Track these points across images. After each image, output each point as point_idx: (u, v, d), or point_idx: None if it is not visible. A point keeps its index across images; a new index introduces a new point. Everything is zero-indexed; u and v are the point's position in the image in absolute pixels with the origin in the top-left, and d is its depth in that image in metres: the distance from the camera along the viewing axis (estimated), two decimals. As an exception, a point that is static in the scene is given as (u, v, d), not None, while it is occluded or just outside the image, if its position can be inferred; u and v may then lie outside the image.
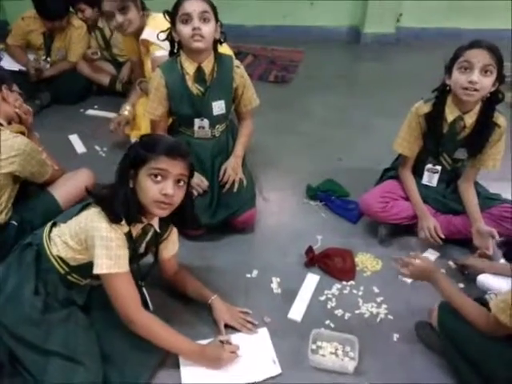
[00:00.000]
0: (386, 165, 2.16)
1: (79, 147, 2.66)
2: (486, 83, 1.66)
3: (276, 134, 2.76)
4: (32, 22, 2.96)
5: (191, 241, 1.99)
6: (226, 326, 1.60)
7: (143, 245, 1.48)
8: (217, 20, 1.80)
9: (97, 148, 2.66)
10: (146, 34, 2.21)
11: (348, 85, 3.48)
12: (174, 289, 1.70)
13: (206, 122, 1.94)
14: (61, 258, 1.39)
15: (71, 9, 2.99)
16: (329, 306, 1.72)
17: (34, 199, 1.90)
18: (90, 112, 3.02)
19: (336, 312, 1.69)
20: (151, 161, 1.29)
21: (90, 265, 1.34)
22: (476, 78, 1.64)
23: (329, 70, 3.65)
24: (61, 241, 1.39)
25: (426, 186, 1.97)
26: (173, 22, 1.79)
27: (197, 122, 1.94)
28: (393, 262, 1.60)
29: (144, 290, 1.51)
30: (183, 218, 1.47)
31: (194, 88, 1.87)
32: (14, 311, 1.36)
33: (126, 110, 2.62)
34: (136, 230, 1.40)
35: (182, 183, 1.35)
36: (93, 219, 1.31)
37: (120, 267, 1.31)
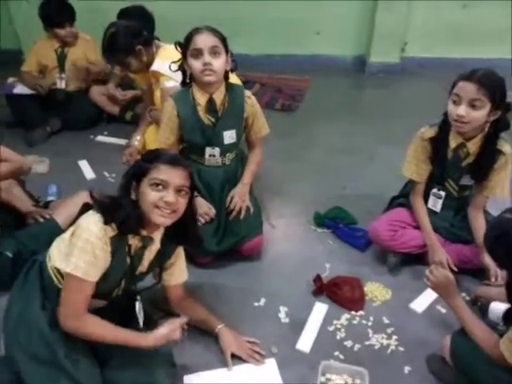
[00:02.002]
0: (392, 192, 2.16)
1: (88, 173, 2.68)
2: (476, 116, 1.65)
3: (283, 162, 2.78)
4: (44, 42, 3.06)
5: (199, 268, 1.98)
6: (234, 355, 1.58)
7: (144, 262, 1.45)
8: (227, 51, 1.83)
9: (105, 174, 2.68)
10: (157, 66, 2.26)
11: (353, 113, 3.51)
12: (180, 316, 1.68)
13: (216, 151, 1.96)
14: (57, 270, 1.37)
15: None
16: (338, 337, 1.69)
17: (36, 227, 1.90)
18: (100, 138, 3.06)
19: (345, 343, 1.66)
20: (152, 171, 1.30)
21: (101, 285, 1.34)
22: (462, 111, 1.64)
23: (334, 99, 3.70)
24: (57, 250, 1.39)
25: (435, 213, 1.95)
26: (184, 55, 1.83)
27: (208, 150, 1.96)
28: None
29: (137, 305, 1.48)
30: (185, 232, 1.46)
31: (206, 119, 1.90)
32: (25, 330, 1.36)
33: (137, 140, 2.68)
34: (135, 241, 1.38)
35: (183, 193, 1.34)
36: (88, 221, 1.29)
37: (85, 274, 1.27)
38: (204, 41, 1.75)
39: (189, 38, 1.78)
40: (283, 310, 1.80)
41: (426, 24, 4.07)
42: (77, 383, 1.30)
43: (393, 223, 1.92)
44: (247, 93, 1.98)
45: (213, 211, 1.94)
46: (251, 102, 1.96)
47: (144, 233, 1.38)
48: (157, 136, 1.97)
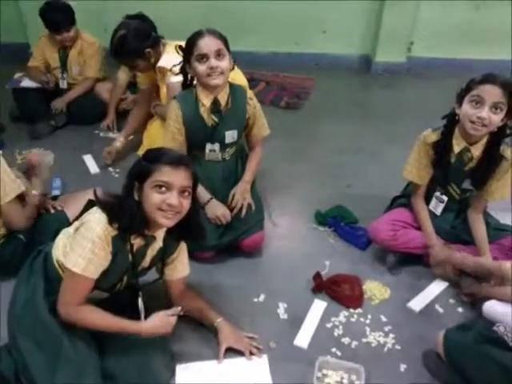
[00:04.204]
0: (395, 192, 2.17)
1: (93, 167, 2.71)
2: (495, 120, 1.66)
3: (286, 160, 2.80)
4: (47, 40, 3.06)
5: (199, 263, 2.00)
6: (230, 349, 1.60)
7: (147, 258, 1.47)
8: (229, 52, 1.84)
9: (110, 169, 2.71)
10: (163, 62, 2.28)
11: (358, 112, 3.52)
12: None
13: (216, 146, 1.98)
14: (61, 261, 1.40)
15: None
16: (336, 334, 1.71)
17: (47, 217, 1.93)
18: (105, 133, 3.08)
19: (343, 340, 1.68)
20: (154, 173, 1.30)
21: (103, 279, 1.37)
22: (485, 114, 1.65)
23: (339, 98, 3.70)
24: (62, 243, 1.42)
25: (436, 215, 1.96)
26: (187, 59, 1.85)
27: (208, 145, 1.98)
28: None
29: (140, 300, 1.49)
30: (189, 229, 1.47)
31: (210, 119, 1.91)
32: (30, 318, 1.40)
33: (119, 141, 2.70)
34: (137, 240, 1.40)
35: (186, 194, 1.35)
36: (92, 219, 1.31)
37: (83, 271, 1.30)
38: (208, 45, 1.77)
39: (192, 43, 1.79)
40: (282, 306, 1.82)
41: (433, 24, 4.06)
42: (79, 371, 1.33)
43: (394, 223, 1.93)
44: (249, 94, 2.00)
45: (228, 216, 1.95)
46: (253, 103, 1.98)
47: (147, 232, 1.40)
48: (165, 134, 1.97)
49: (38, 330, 1.39)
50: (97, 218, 1.31)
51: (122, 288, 1.51)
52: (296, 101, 3.62)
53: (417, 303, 1.82)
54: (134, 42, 2.28)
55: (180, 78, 2.15)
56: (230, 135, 1.96)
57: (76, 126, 3.14)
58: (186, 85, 1.96)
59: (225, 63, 1.80)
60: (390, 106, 3.56)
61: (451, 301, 1.85)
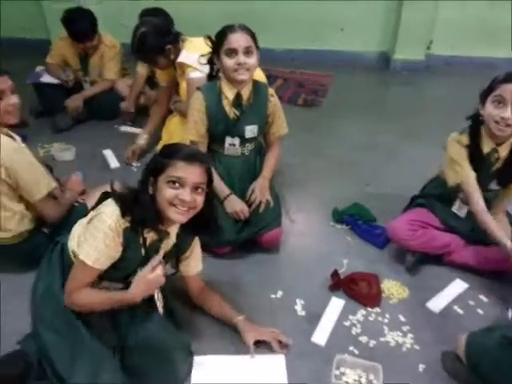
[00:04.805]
0: (413, 191, 2.14)
1: (113, 162, 2.74)
2: None
3: (304, 156, 2.79)
4: (67, 44, 3.07)
5: (217, 258, 2.02)
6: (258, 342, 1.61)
7: (160, 252, 1.46)
8: (258, 48, 1.85)
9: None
10: (183, 57, 2.29)
11: (377, 110, 3.49)
12: (200, 308, 1.71)
13: (236, 140, 2.00)
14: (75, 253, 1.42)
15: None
16: (353, 332, 1.70)
17: (70, 210, 1.96)
18: (124, 128, 3.12)
19: (360, 338, 1.67)
20: (169, 167, 1.29)
21: (116, 271, 1.39)
22: (509, 114, 1.62)
23: (358, 95, 3.68)
24: (76, 233, 1.44)
25: (457, 217, 1.92)
26: (215, 50, 1.86)
27: (228, 139, 1.99)
28: None
29: (156, 294, 1.49)
30: (203, 225, 1.46)
31: (232, 112, 1.93)
32: (49, 308, 1.43)
33: (143, 138, 2.73)
34: (150, 235, 1.40)
35: (200, 190, 1.34)
36: (105, 211, 1.32)
37: (94, 262, 1.32)
38: (238, 41, 1.78)
39: (222, 36, 1.81)
40: (300, 302, 1.82)
41: (453, 22, 4.02)
42: (97, 360, 1.35)
43: (412, 223, 1.91)
44: (271, 91, 2.01)
45: (246, 211, 1.96)
46: (274, 100, 2.00)
47: (160, 227, 1.40)
48: (187, 127, 1.99)
49: (57, 319, 1.41)
50: (110, 210, 1.32)
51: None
52: (314, 98, 3.61)
53: (436, 304, 1.81)
54: (155, 39, 2.29)
55: (200, 74, 2.17)
56: (251, 130, 1.97)
57: (96, 121, 3.18)
58: (212, 75, 1.98)
59: (253, 60, 1.82)
60: (408, 104, 3.53)
61: (471, 302, 1.83)
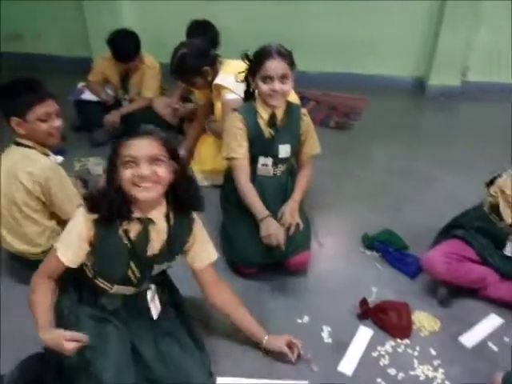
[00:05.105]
0: (447, 220, 2.07)
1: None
2: None
3: (335, 179, 2.78)
4: (110, 64, 3.18)
5: (243, 278, 2.02)
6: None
7: (153, 244, 1.41)
8: (292, 70, 1.88)
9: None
10: (220, 79, 2.34)
11: (410, 135, 3.45)
12: (220, 313, 1.67)
13: (269, 160, 2.01)
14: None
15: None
16: (381, 364, 1.65)
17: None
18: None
19: (389, 371, 1.62)
20: (121, 150, 1.27)
21: (108, 268, 1.41)
22: None
23: (391, 119, 3.65)
24: None
25: (496, 252, 1.86)
26: (252, 71, 1.90)
27: (261, 159, 2.01)
28: None
29: (149, 294, 1.48)
30: (181, 199, 1.41)
31: (267, 131, 1.97)
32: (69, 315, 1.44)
33: (181, 155, 2.76)
34: (131, 225, 1.37)
35: (160, 162, 1.29)
36: (79, 209, 1.35)
37: (61, 255, 1.35)
38: (275, 69, 1.81)
39: (260, 62, 1.84)
40: (326, 329, 1.79)
41: (489, 48, 3.96)
42: (108, 361, 1.36)
43: (448, 255, 1.84)
44: (303, 111, 2.03)
45: (282, 235, 1.86)
46: (307, 119, 2.02)
47: (137, 215, 1.36)
48: (224, 146, 1.99)
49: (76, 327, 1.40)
50: (81, 208, 1.34)
51: (138, 279, 1.45)
52: (346, 121, 3.61)
53: (469, 339, 1.74)
54: (194, 61, 2.36)
55: (235, 96, 2.21)
56: (284, 149, 1.99)
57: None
58: (248, 93, 2.01)
59: (287, 87, 1.85)
60: (443, 130, 3.47)
61: (506, 339, 1.75)
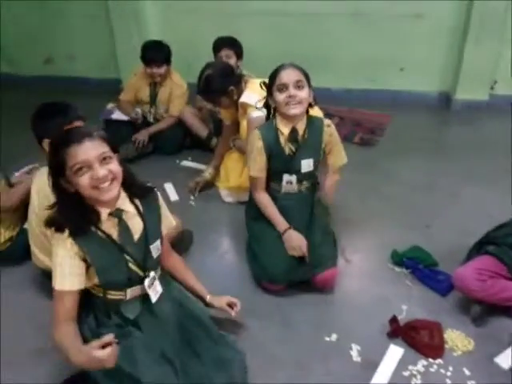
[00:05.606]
0: (476, 235, 2.02)
1: (173, 195, 2.83)
2: None
3: (361, 196, 2.75)
4: (140, 77, 3.32)
5: (269, 295, 2.01)
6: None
7: (135, 235, 1.43)
8: (309, 85, 1.90)
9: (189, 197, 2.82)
10: (246, 97, 2.38)
11: (436, 150, 3.40)
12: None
13: (294, 178, 2.02)
14: None
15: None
16: (413, 383, 1.61)
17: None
18: (185, 163, 3.24)
19: (421, 391, 1.58)
20: (66, 160, 1.26)
21: (110, 272, 1.39)
22: None
23: (417, 135, 3.61)
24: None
25: None
26: (269, 91, 1.94)
27: (285, 176, 2.02)
28: None
29: (146, 281, 1.46)
30: (131, 183, 1.42)
31: (287, 148, 1.97)
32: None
33: (208, 172, 2.81)
34: (108, 224, 1.37)
35: (108, 159, 1.30)
36: (53, 242, 1.34)
37: (60, 285, 1.33)
38: (289, 76, 1.85)
39: (275, 74, 1.89)
40: (355, 348, 1.75)
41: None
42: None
43: (481, 272, 1.79)
44: (327, 121, 2.03)
45: (305, 244, 1.94)
46: (330, 130, 2.01)
47: (106, 211, 1.36)
48: (248, 165, 2.03)
49: None
50: (54, 237, 1.34)
51: (142, 269, 1.46)
52: (370, 137, 3.59)
53: (505, 359, 1.67)
54: (219, 81, 2.42)
55: (260, 113, 2.24)
56: (306, 164, 2.00)
57: (160, 155, 3.33)
58: (269, 118, 2.03)
59: (303, 93, 1.86)
60: (470, 145, 3.41)
61: (545, 361, 1.68)
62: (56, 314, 1.35)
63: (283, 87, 1.86)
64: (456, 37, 3.90)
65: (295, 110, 1.87)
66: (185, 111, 3.30)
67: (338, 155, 2.07)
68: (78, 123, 1.85)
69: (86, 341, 1.38)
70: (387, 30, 3.98)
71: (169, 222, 1.61)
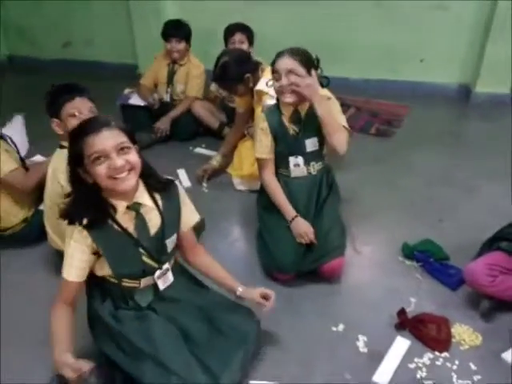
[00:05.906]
0: (490, 231, 1.99)
1: (185, 181, 2.86)
2: None
3: (374, 187, 2.73)
4: (161, 58, 3.36)
5: (277, 284, 2.01)
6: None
7: (151, 230, 1.42)
8: (310, 71, 1.84)
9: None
10: (261, 85, 2.37)
11: (454, 143, 3.35)
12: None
13: (300, 159, 2.02)
14: None
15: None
16: (418, 376, 1.61)
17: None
18: (198, 150, 3.25)
19: (426, 383, 1.58)
20: (84, 149, 1.26)
21: (129, 265, 1.42)
22: None
23: (434, 127, 3.55)
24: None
25: None
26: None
27: (291, 159, 2.02)
28: None
29: (157, 273, 1.47)
30: (151, 175, 1.42)
31: (291, 129, 1.98)
32: (99, 327, 1.52)
33: (216, 160, 2.81)
34: (124, 217, 1.37)
35: (126, 149, 1.29)
36: (67, 233, 1.37)
37: (66, 274, 1.38)
38: (281, 64, 1.84)
39: (273, 62, 1.89)
40: (362, 338, 1.76)
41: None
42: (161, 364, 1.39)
43: (492, 267, 1.77)
44: (327, 93, 2.01)
45: (311, 230, 1.95)
46: (329, 103, 1.99)
47: (124, 204, 1.36)
48: (256, 148, 2.05)
49: (108, 337, 1.48)
50: (69, 228, 1.36)
51: (157, 262, 1.48)
52: (387, 128, 3.55)
53: (512, 355, 1.67)
54: (236, 68, 2.41)
55: (274, 101, 2.23)
56: (311, 143, 1.99)
57: (173, 142, 3.35)
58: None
59: (295, 79, 1.81)
60: (489, 139, 3.34)
61: (555, 359, 1.67)
62: (59, 293, 1.42)
63: (278, 76, 1.85)
64: (478, 30, 3.80)
65: (288, 99, 1.87)
66: (195, 105, 3.31)
67: (338, 115, 2.01)
68: (79, 99, 1.86)
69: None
70: (409, 19, 3.89)
71: (191, 219, 1.58)
